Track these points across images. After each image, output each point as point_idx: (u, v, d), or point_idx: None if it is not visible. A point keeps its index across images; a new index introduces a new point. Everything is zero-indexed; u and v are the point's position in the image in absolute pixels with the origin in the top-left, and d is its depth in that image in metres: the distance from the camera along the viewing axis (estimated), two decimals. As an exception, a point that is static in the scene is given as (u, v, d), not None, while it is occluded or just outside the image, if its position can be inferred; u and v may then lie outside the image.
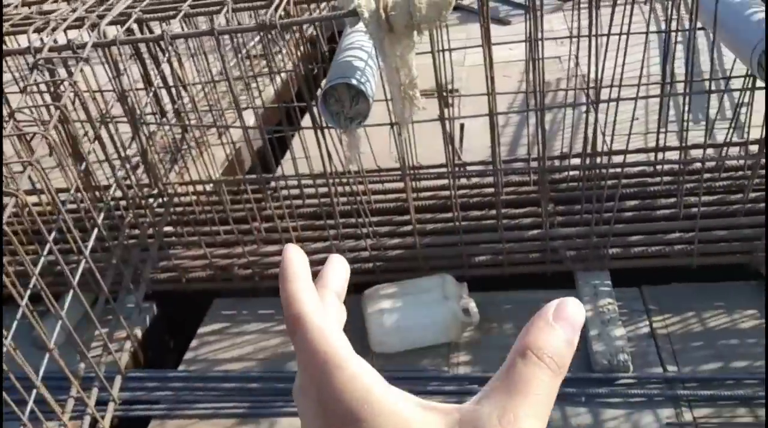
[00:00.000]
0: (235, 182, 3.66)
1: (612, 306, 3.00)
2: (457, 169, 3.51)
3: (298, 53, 3.22)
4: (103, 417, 2.67)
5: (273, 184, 3.72)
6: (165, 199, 3.45)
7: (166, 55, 3.31)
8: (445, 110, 3.15)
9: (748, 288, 3.11)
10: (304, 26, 5.63)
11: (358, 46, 2.91)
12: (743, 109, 3.14)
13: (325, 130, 3.05)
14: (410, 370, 2.89)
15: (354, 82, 2.62)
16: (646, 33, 2.77)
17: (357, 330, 3.08)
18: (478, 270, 3.31)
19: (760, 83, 2.83)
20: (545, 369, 0.42)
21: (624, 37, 2.66)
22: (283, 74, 4.48)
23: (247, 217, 3.48)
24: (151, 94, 3.36)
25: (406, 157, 3.29)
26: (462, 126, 4.74)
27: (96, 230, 2.64)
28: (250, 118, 3.86)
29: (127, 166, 3.02)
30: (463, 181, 3.78)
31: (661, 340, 2.90)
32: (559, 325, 0.44)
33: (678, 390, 2.64)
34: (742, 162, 3.40)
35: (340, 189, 3.46)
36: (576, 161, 3.43)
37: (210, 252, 3.42)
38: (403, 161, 3.09)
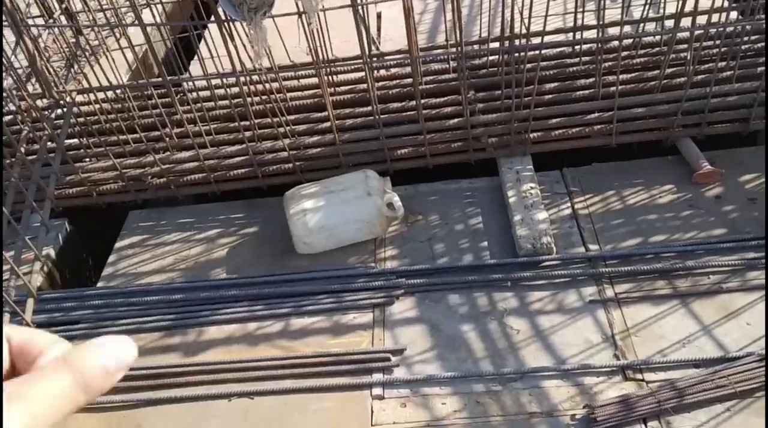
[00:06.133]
0: (140, 87, 3.43)
1: (534, 191, 3.00)
2: (373, 60, 3.38)
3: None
4: (19, 342, 2.56)
5: (182, 86, 3.52)
6: (64, 109, 3.21)
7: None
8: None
9: (665, 163, 3.15)
10: None
11: (257, -71, 2.68)
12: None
13: (232, 26, 2.86)
14: (337, 269, 2.85)
15: (254, -32, 2.42)
16: None
17: (280, 233, 3.02)
18: (402, 164, 3.24)
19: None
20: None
21: None
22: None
23: (156, 124, 3.29)
24: (32, -7, 3.05)
25: (320, 50, 3.13)
26: (379, 14, 4.56)
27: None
28: (151, 18, 3.57)
29: (12, 74, 2.76)
30: (383, 72, 3.65)
31: (582, 220, 2.93)
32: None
33: (600, 267, 2.70)
34: (658, 38, 3.37)
35: (253, 88, 3.29)
36: (495, 45, 3.34)
37: (120, 163, 3.24)
38: (316, 54, 2.93)
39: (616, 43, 3.31)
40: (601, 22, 3.04)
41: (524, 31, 3.09)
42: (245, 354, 2.60)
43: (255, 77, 3.19)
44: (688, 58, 3.06)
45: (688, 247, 2.70)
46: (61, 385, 0.43)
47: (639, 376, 2.32)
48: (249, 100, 3.18)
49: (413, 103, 3.25)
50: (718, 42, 3.22)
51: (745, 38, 3.25)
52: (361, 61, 2.98)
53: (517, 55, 3.07)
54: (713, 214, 2.87)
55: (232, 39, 2.82)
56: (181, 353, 2.63)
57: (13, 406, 0.40)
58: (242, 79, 3.04)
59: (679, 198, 2.96)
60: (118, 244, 3.20)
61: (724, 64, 3.17)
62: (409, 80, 3.40)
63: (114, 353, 0.47)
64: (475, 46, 3.53)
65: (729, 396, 2.20)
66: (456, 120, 3.14)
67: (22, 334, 0.48)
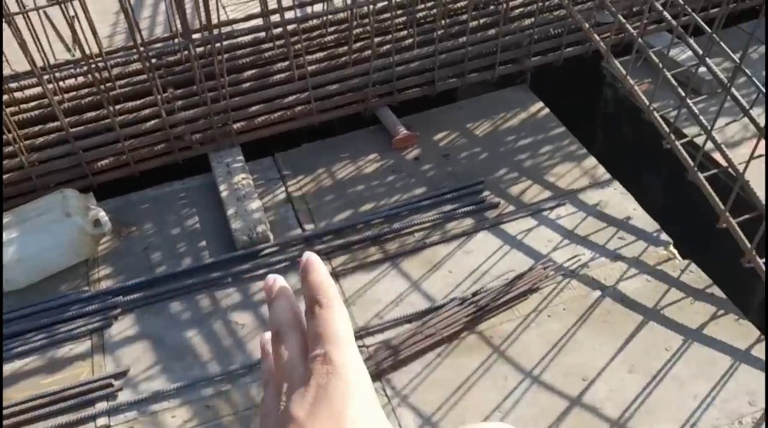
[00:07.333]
0: None
1: (246, 181, 2.99)
2: (53, 70, 3.14)
3: None
4: None
5: None
6: None
7: None
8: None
9: (367, 134, 3.29)
10: None
11: None
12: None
13: None
14: (46, 301, 2.64)
15: None
16: None
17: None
18: (105, 175, 3.07)
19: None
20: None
21: None
22: None
23: None
24: None
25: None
26: (72, 17, 4.24)
27: None
28: None
29: None
30: (72, 81, 3.40)
31: (297, 202, 2.98)
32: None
33: (316, 245, 2.76)
34: (347, 14, 3.48)
35: None
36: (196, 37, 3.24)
37: None
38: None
39: (308, 23, 3.39)
40: (281, 6, 3.07)
41: (215, 22, 3.04)
42: (-53, 418, 2.32)
43: None
44: (370, 29, 3.20)
45: (393, 211, 2.85)
46: None
47: (360, 343, 2.42)
48: None
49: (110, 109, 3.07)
50: (398, 12, 3.40)
51: (421, 6, 3.48)
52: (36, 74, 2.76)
53: (210, 46, 3.01)
54: (414, 175, 3.05)
55: None
56: None
57: None
58: None
59: (383, 165, 3.12)
60: None
61: (405, 32, 3.37)
62: (102, 86, 3.20)
63: None
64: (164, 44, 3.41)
65: (438, 342, 2.37)
66: (154, 121, 3.03)
67: None
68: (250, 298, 2.61)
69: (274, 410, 0.48)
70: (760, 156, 2.36)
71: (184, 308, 2.60)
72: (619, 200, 2.84)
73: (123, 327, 2.55)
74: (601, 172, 2.98)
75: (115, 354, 2.47)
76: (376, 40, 3.23)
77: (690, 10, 2.45)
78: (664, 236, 2.69)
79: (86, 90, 3.27)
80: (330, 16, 3.42)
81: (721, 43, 2.28)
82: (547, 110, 3.33)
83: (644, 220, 2.75)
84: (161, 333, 2.52)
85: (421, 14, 3.43)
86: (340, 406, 0.45)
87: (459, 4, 3.53)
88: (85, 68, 3.34)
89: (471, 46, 3.28)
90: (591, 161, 3.03)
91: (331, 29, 3.45)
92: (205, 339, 2.49)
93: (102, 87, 2.95)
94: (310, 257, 0.53)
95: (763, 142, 2.27)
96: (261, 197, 2.97)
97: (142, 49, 2.94)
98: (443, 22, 3.30)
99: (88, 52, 3.29)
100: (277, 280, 0.55)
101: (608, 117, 3.54)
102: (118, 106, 3.08)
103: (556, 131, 3.20)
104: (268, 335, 0.54)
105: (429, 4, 3.53)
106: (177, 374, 2.38)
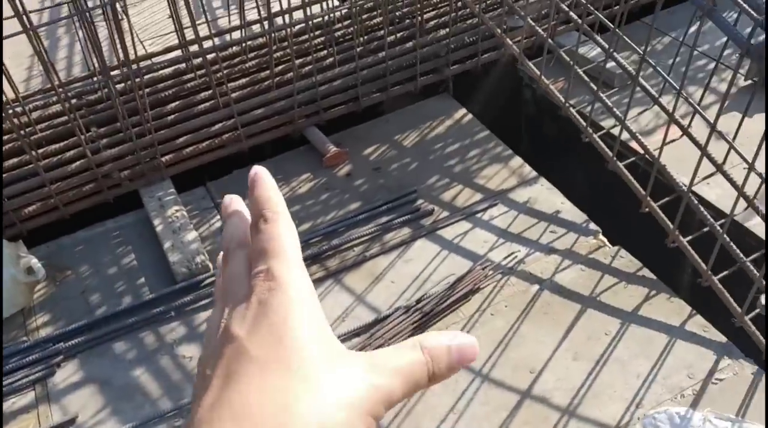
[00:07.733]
0: None
1: (180, 213, 2.97)
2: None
3: None
4: None
5: None
6: None
7: None
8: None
9: (297, 155, 3.32)
10: None
11: None
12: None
13: None
14: (-17, 356, 2.56)
15: None
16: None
17: None
18: (33, 222, 3.00)
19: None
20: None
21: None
22: None
23: None
24: None
25: None
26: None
27: None
28: None
29: None
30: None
31: (234, 229, 2.97)
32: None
33: (257, 270, 2.76)
34: (266, 38, 3.51)
35: None
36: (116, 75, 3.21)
37: None
38: None
39: (227, 50, 3.40)
40: (198, 36, 3.07)
41: (132, 57, 3.02)
42: None
43: None
44: (290, 52, 3.23)
45: (331, 228, 2.88)
46: (412, 359, 0.45)
47: (310, 362, 2.43)
48: None
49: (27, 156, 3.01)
50: (317, 32, 3.45)
51: (339, 25, 3.53)
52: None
53: (130, 82, 2.99)
54: (347, 190, 3.09)
55: None
56: None
57: (375, 376, 0.43)
58: None
59: (316, 184, 3.14)
60: None
61: (325, 52, 3.41)
62: (22, 131, 3.13)
63: (459, 341, 0.47)
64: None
65: (387, 353, 2.40)
66: (79, 162, 2.98)
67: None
68: (195, 330, 2.59)
69: (215, 329, 0.46)
70: (673, 140, 2.49)
71: (129, 347, 2.56)
72: (546, 196, 2.94)
73: (67, 373, 2.49)
74: (528, 170, 3.08)
75: (61, 402, 2.41)
76: (297, 61, 3.27)
77: (593, 8, 2.57)
78: (592, 226, 2.79)
79: (6, 136, 3.20)
80: (249, 42, 3.45)
81: (624, 37, 2.40)
82: (470, 116, 3.42)
83: (572, 213, 2.85)
84: (107, 375, 2.47)
85: (339, 33, 3.48)
86: (282, 323, 0.43)
87: (375, 21, 3.60)
88: (2, 115, 3.29)
89: (391, 60, 3.34)
90: (517, 161, 3.13)
91: (252, 55, 3.47)
92: (154, 377, 2.45)
93: (22, 132, 2.88)
94: (258, 171, 0.52)
95: (674, 127, 2.39)
96: (197, 227, 2.96)
97: (60, 90, 2.90)
98: (361, 39, 3.35)
99: (3, 98, 3.23)
100: (233, 200, 0.54)
101: (529, 117, 3.66)
102: (40, 150, 3.02)
103: (481, 135, 3.29)
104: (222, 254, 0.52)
105: (346, 23, 3.59)
106: (127, 415, 2.34)
